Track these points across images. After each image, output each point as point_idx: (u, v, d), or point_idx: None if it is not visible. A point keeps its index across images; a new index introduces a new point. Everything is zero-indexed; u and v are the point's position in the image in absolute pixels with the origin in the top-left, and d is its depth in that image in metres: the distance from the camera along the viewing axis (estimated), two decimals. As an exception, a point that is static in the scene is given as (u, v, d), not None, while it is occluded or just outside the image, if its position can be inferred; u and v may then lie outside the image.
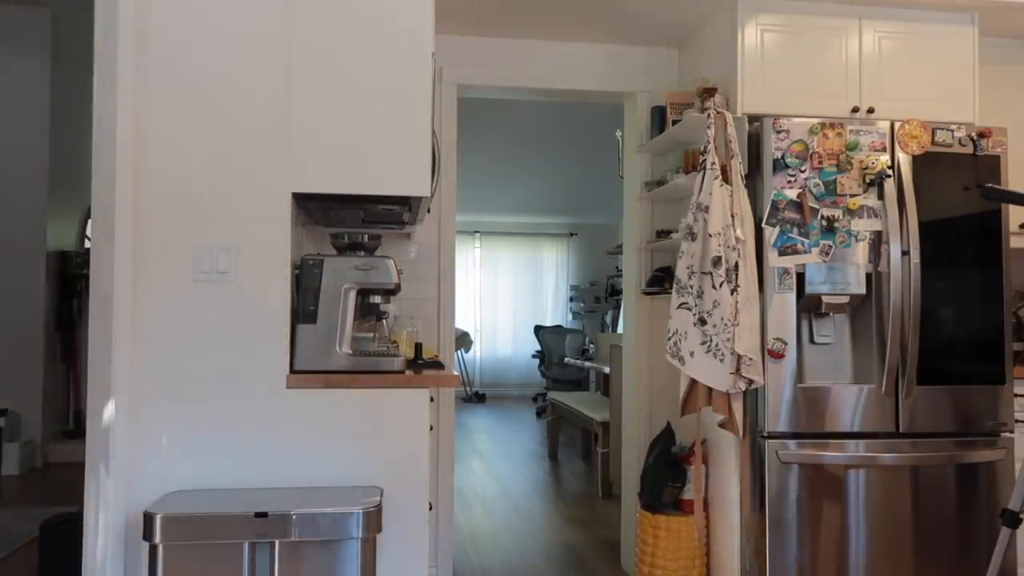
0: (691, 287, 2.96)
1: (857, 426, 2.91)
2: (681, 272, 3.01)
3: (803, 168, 2.94)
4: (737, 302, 2.83)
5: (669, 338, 3.05)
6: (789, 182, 2.93)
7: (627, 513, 3.90)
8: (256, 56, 2.46)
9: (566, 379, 9.66)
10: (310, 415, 2.43)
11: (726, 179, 2.94)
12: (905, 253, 2.91)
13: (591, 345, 9.17)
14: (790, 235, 2.92)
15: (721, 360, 2.85)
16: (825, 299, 2.92)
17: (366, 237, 2.70)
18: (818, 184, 2.94)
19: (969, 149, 3.04)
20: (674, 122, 3.54)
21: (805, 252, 2.92)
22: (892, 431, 2.94)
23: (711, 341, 2.88)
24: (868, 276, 2.94)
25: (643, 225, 3.90)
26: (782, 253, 2.92)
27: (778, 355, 2.89)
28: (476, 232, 11.33)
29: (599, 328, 10.73)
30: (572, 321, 11.43)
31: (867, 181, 2.95)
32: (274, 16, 2.48)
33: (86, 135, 2.34)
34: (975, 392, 3.00)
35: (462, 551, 4.17)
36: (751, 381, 2.85)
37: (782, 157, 2.93)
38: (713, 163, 2.95)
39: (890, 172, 2.95)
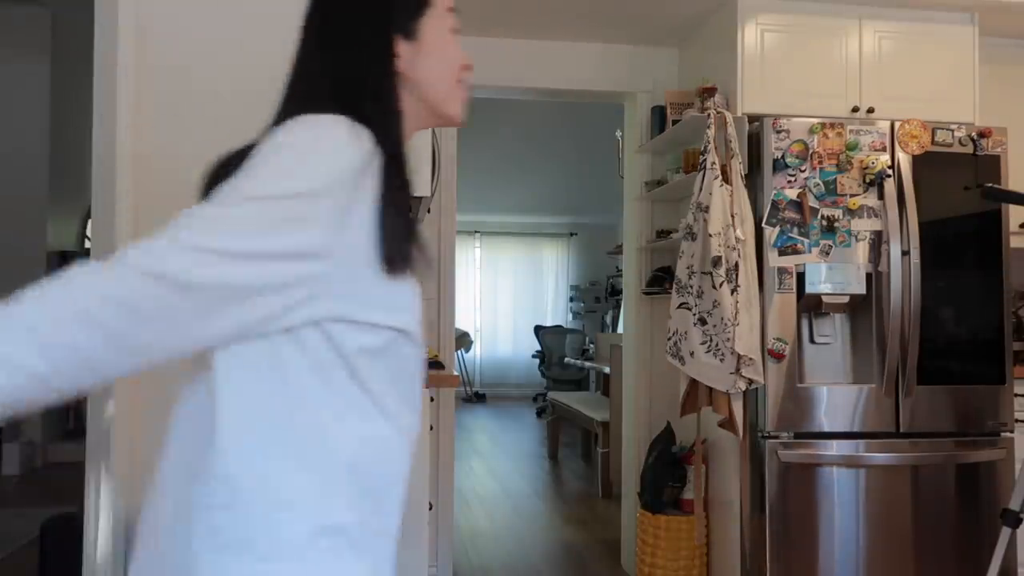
0: (691, 287, 2.96)
1: (857, 426, 2.91)
2: (681, 272, 3.01)
3: (803, 168, 2.94)
4: (737, 302, 2.83)
5: (669, 338, 3.05)
6: (789, 182, 2.93)
7: (627, 513, 3.90)
8: (256, 55, 2.46)
9: (566, 379, 9.66)
10: (310, 415, 2.43)
11: (726, 179, 2.94)
12: (905, 253, 2.91)
13: (591, 345, 9.17)
14: (790, 235, 2.92)
15: (721, 360, 2.85)
16: (825, 299, 2.92)
17: (366, 237, 2.70)
18: (818, 184, 2.94)
19: (969, 149, 3.04)
20: (674, 122, 3.54)
21: (805, 252, 2.92)
22: (892, 431, 2.94)
23: (711, 341, 2.88)
24: (868, 276, 2.94)
25: (643, 225, 3.90)
26: (782, 253, 2.92)
27: (778, 355, 2.89)
28: (476, 232, 11.33)
29: (599, 328, 10.73)
30: (572, 321, 11.42)
31: (867, 181, 2.95)
32: (274, 15, 2.48)
33: (86, 135, 2.33)
34: (975, 392, 3.00)
35: (462, 551, 4.18)
36: (751, 381, 2.85)
37: (782, 157, 2.93)
38: (713, 163, 2.95)
39: (890, 172, 2.95)
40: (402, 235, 0.90)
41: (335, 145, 0.85)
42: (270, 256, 0.81)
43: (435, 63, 1.03)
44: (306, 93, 0.99)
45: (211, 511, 0.87)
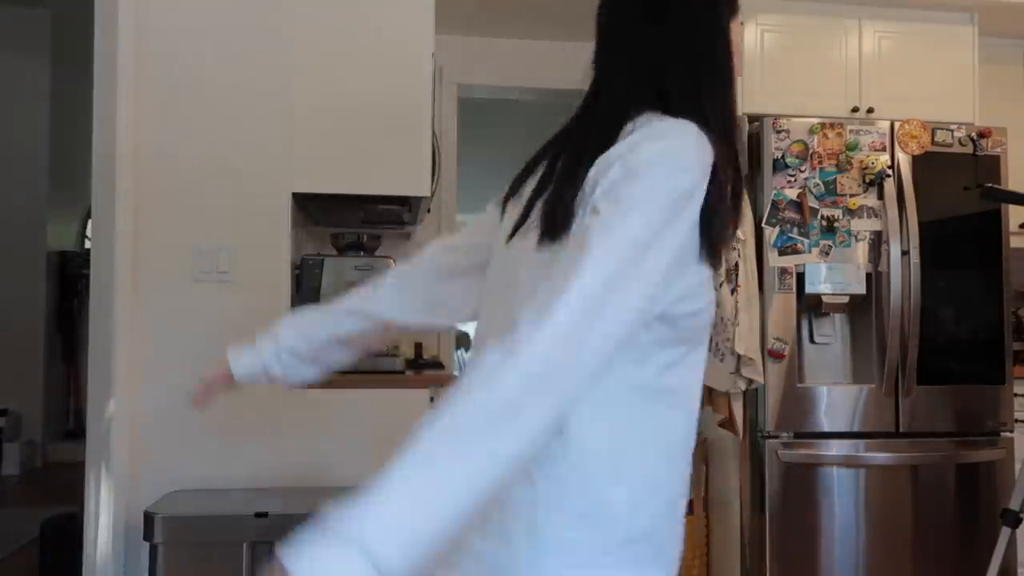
0: (691, 287, 2.96)
1: (857, 426, 2.91)
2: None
3: (803, 168, 2.94)
4: (737, 302, 2.83)
5: (669, 338, 3.04)
6: (789, 182, 2.93)
7: (627, 513, 3.90)
8: (256, 56, 2.46)
9: (566, 379, 9.65)
10: (310, 415, 2.43)
11: (726, 179, 2.94)
12: (905, 253, 2.91)
13: (591, 345, 9.15)
14: (790, 235, 2.92)
15: (721, 360, 2.85)
16: (825, 299, 2.92)
17: (366, 237, 2.70)
18: (818, 184, 2.94)
19: (969, 149, 3.03)
20: (674, 122, 3.53)
21: (805, 252, 2.92)
22: (892, 431, 2.93)
23: (711, 341, 2.88)
24: (868, 276, 2.94)
25: (643, 225, 3.89)
26: (782, 253, 2.92)
27: (778, 355, 2.89)
28: (476, 232, 11.32)
29: (599, 328, 10.72)
30: (572, 321, 11.41)
31: (867, 181, 2.95)
32: (274, 16, 2.48)
33: (86, 135, 2.33)
34: (975, 392, 3.00)
35: (462, 551, 4.17)
36: (751, 381, 2.85)
37: (782, 157, 2.93)
38: (713, 163, 2.94)
39: (890, 172, 2.95)
40: (726, 232, 0.95)
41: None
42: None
43: None
44: (648, 94, 1.00)
45: (534, 509, 0.90)
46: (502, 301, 1.00)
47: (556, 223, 0.94)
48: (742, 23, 1.12)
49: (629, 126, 0.94)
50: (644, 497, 0.93)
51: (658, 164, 0.87)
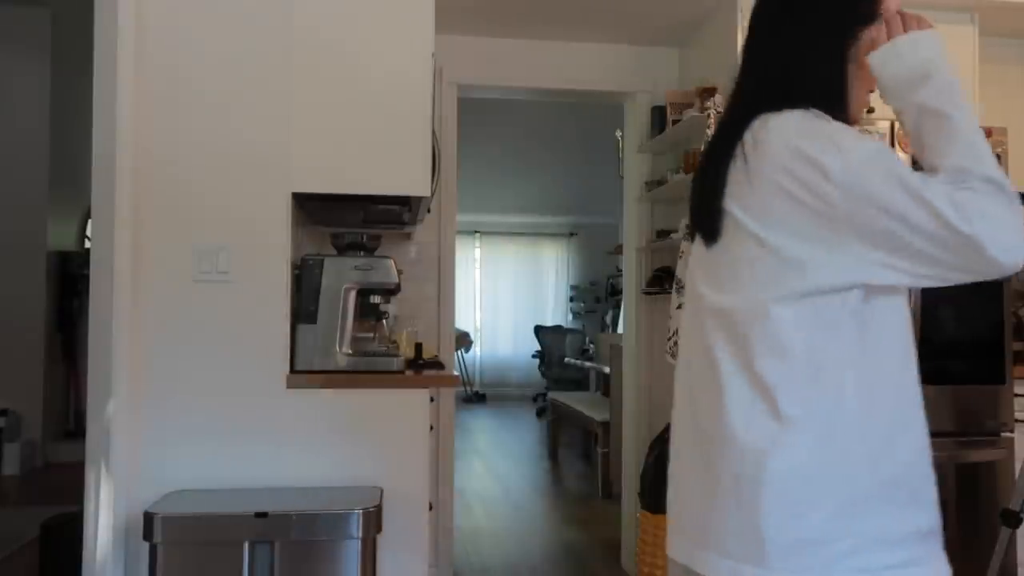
0: (691, 287, 2.95)
1: (857, 426, 2.91)
2: (681, 272, 3.01)
3: (803, 168, 2.93)
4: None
5: (669, 338, 3.04)
6: (789, 182, 2.92)
7: (627, 513, 3.90)
8: (256, 56, 2.46)
9: (566, 379, 9.65)
10: (310, 415, 2.43)
11: (726, 179, 2.94)
12: (905, 253, 2.90)
13: (591, 345, 9.17)
14: (790, 235, 2.91)
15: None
16: (825, 299, 2.91)
17: (366, 237, 2.70)
18: (818, 184, 2.93)
19: (969, 149, 3.03)
20: (674, 122, 3.54)
21: (805, 252, 2.91)
22: (892, 431, 2.93)
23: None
24: (868, 276, 2.93)
25: (643, 225, 3.90)
26: (782, 253, 2.91)
27: (778, 355, 2.88)
28: (476, 232, 11.33)
29: (599, 328, 10.72)
30: (572, 321, 11.41)
31: (867, 181, 2.95)
32: (274, 16, 2.48)
33: (86, 135, 2.34)
34: (975, 392, 3.00)
35: (462, 551, 4.17)
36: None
37: (782, 157, 2.92)
38: (713, 163, 2.94)
39: (890, 172, 2.94)
40: None
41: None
42: None
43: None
44: (778, 91, 1.17)
45: (789, 478, 1.07)
46: (695, 287, 1.30)
47: (707, 230, 1.21)
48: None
49: (748, 137, 1.13)
50: (890, 447, 1.10)
51: (834, 157, 1.07)
